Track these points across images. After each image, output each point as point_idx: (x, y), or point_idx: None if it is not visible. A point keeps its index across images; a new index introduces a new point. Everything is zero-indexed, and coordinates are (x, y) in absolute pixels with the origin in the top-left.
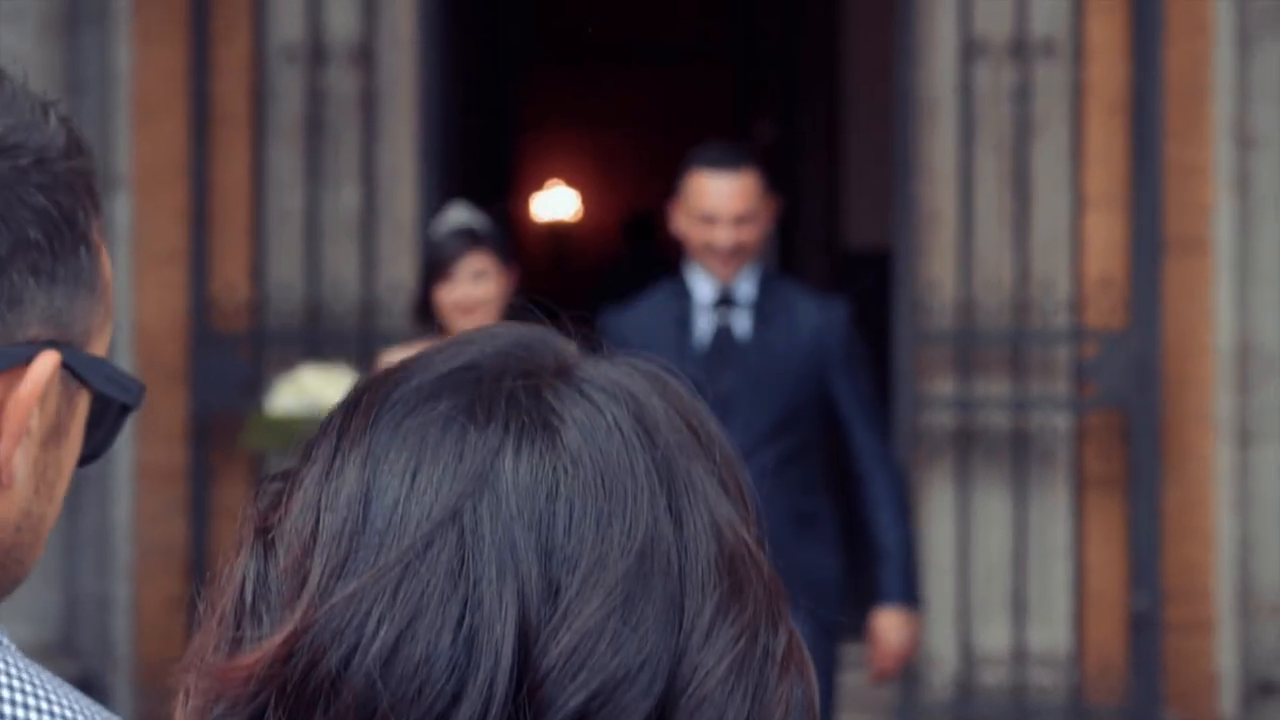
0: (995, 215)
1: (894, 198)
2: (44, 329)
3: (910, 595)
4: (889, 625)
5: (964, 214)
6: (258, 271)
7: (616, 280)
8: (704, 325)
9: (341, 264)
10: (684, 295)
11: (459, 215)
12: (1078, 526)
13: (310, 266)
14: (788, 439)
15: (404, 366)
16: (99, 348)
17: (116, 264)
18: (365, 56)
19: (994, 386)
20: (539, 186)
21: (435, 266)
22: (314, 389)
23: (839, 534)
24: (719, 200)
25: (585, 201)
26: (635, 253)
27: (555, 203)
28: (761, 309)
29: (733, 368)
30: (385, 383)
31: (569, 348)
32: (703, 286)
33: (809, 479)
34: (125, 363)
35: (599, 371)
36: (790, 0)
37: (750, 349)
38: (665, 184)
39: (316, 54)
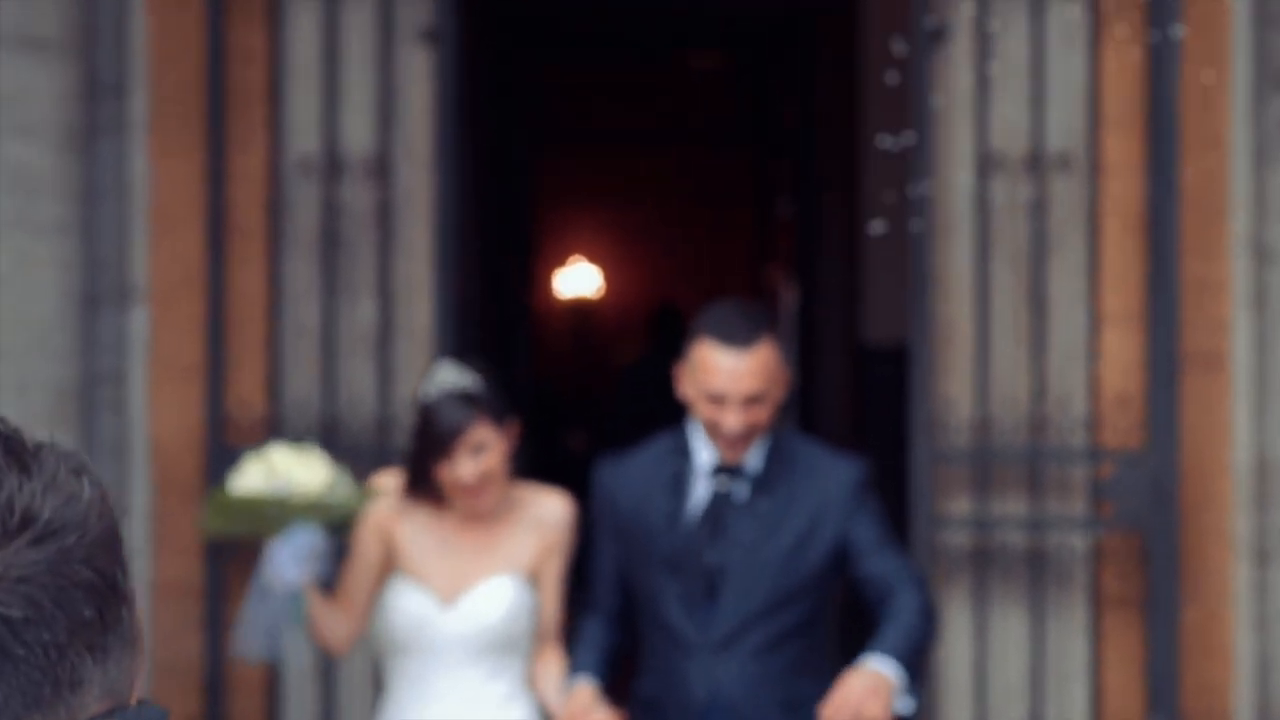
0: (1011, 331)
1: (910, 313)
2: (101, 701)
3: (897, 655)
4: (858, 676)
5: (980, 330)
6: (273, 386)
7: (640, 374)
8: (701, 490)
9: (358, 378)
10: (683, 453)
11: (449, 376)
12: (1095, 647)
13: (326, 381)
14: (783, 617)
15: None
16: (137, 690)
17: (133, 378)
18: (381, 168)
19: (1011, 506)
20: (561, 263)
21: (432, 444)
22: (284, 468)
23: None
24: (728, 381)
25: (608, 278)
26: (661, 345)
27: (578, 279)
28: (766, 477)
29: (726, 540)
30: None
31: None
32: (704, 452)
33: (806, 661)
34: (141, 480)
35: None
36: (808, 87)
37: (748, 520)
38: (688, 264)
39: (332, 166)
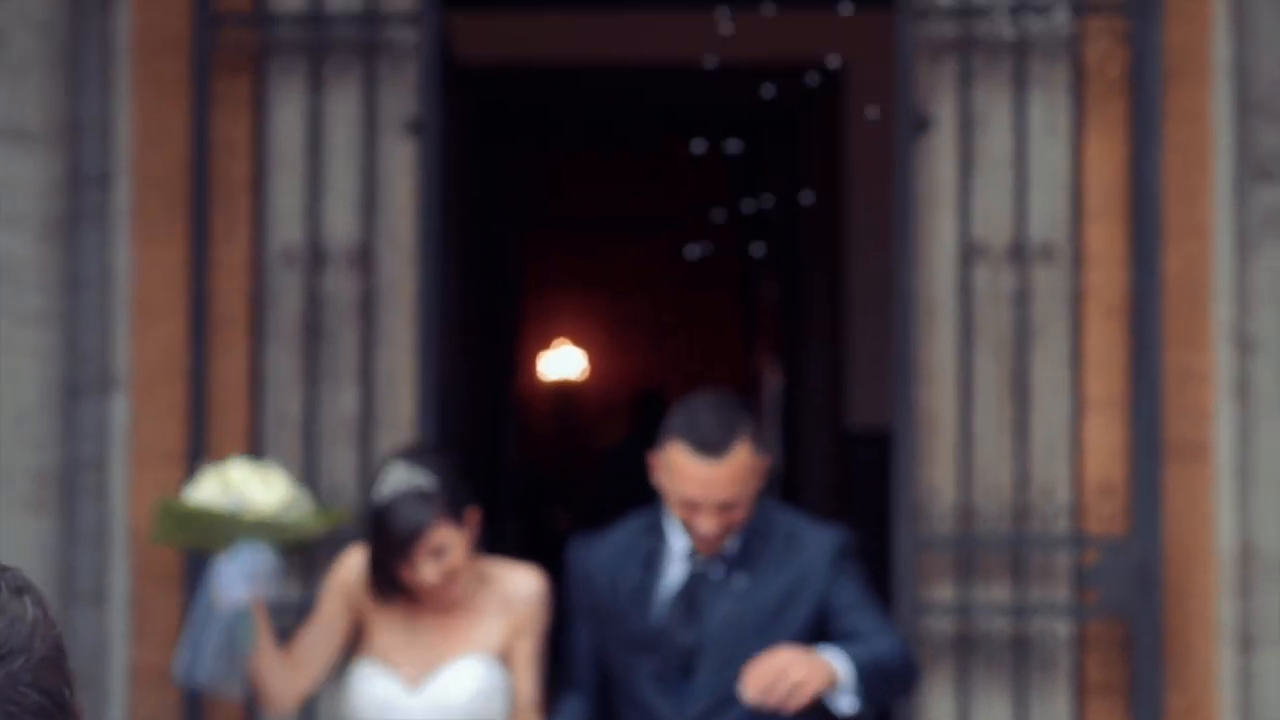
0: (995, 419)
1: (893, 400)
2: None
3: (850, 656)
4: (791, 652)
5: (963, 417)
6: None
7: (623, 456)
8: (676, 569)
9: (339, 467)
10: (657, 532)
11: (401, 476)
12: None
13: (308, 469)
14: None
15: None
16: None
17: (114, 465)
18: (364, 258)
19: (994, 593)
20: (546, 346)
21: (390, 549)
22: (239, 483)
23: None
24: (700, 490)
25: (592, 361)
26: (643, 428)
27: (562, 362)
28: (744, 555)
29: (701, 619)
30: None
31: None
32: (679, 538)
33: None
34: (121, 567)
35: None
36: (791, 173)
37: (724, 597)
38: (674, 347)
39: (315, 256)
